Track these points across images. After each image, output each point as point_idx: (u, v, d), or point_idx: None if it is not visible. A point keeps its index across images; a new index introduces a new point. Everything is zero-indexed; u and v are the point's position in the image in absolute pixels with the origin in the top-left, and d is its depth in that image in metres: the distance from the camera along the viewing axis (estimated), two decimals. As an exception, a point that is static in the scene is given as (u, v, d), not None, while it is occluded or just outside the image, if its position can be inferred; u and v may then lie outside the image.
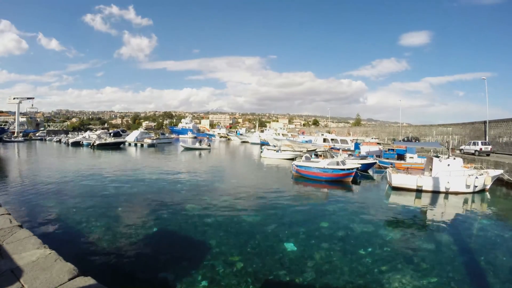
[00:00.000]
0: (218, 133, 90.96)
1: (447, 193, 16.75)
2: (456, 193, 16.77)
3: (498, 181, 19.18)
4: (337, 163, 20.52)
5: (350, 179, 20.15)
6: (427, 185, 17.06)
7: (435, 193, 16.87)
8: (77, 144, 51.50)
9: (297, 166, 21.74)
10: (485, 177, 17.38)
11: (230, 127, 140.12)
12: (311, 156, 24.86)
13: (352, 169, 20.24)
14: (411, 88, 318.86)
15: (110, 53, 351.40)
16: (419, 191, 17.04)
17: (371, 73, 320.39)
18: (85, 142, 50.34)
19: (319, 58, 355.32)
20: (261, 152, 36.54)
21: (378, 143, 39.83)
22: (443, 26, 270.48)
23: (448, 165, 17.10)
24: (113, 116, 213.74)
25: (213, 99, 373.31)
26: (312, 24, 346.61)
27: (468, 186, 16.85)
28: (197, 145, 48.50)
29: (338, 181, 20.06)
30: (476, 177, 16.96)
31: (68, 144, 52.20)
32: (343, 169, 20.14)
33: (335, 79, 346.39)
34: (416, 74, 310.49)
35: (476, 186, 17.08)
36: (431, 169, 17.80)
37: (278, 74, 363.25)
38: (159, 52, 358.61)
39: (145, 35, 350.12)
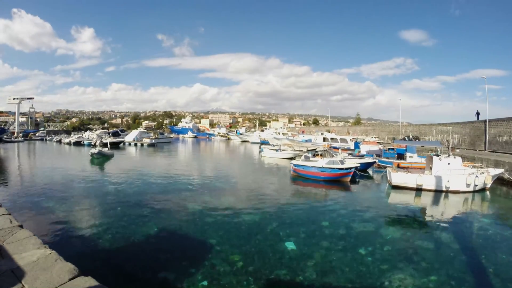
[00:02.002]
0: (218, 133, 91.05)
1: (447, 192, 16.74)
2: (456, 192, 16.77)
3: (498, 180, 19.15)
4: (335, 163, 20.43)
5: (348, 178, 20.07)
6: (427, 184, 17.06)
7: (435, 192, 16.87)
8: (78, 144, 51.57)
9: (294, 165, 21.71)
10: (486, 176, 17.37)
11: (230, 127, 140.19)
12: (310, 155, 24.84)
13: (350, 168, 20.13)
14: (422, 87, 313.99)
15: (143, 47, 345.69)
16: (419, 190, 17.05)
17: (381, 72, 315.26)
18: (86, 142, 50.38)
19: (330, 54, 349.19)
20: (261, 151, 36.56)
21: (378, 142, 39.83)
22: (457, 25, 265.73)
23: (448, 164, 17.10)
24: (113, 116, 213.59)
25: (225, 97, 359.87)
26: (322, 23, 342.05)
27: (468, 185, 16.84)
28: (104, 149, 32.21)
29: (336, 180, 20.01)
30: (476, 176, 16.95)
31: (70, 144, 52.25)
32: (341, 169, 20.04)
33: (360, 82, 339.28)
34: (428, 73, 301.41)
35: (476, 185, 17.07)
36: (431, 168, 17.80)
37: (310, 73, 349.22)
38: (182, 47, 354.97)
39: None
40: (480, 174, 17.37)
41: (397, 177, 17.76)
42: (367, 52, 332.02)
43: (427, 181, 17.08)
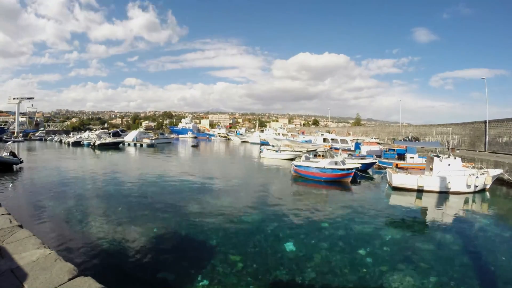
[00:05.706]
0: (218, 133, 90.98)
1: (447, 193, 16.72)
2: (457, 193, 16.75)
3: (498, 180, 19.16)
4: (336, 163, 20.38)
5: (349, 179, 20.03)
6: (428, 185, 17.02)
7: (436, 193, 16.84)
8: (77, 144, 51.57)
9: (296, 166, 21.70)
10: (486, 177, 17.37)
11: (230, 127, 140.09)
12: (311, 156, 24.81)
13: (351, 169, 20.08)
14: (427, 87, 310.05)
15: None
16: (419, 191, 17.01)
17: (387, 73, 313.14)
18: (85, 142, 50.40)
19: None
20: (261, 152, 36.51)
21: (378, 143, 39.82)
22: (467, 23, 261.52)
23: (449, 165, 17.08)
24: (113, 116, 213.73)
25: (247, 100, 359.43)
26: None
27: (468, 186, 16.83)
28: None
29: (337, 181, 19.97)
30: (477, 177, 16.94)
31: (68, 144, 52.23)
32: (342, 169, 20.00)
33: (385, 83, 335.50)
34: (436, 72, 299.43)
35: (477, 186, 17.06)
36: (431, 169, 17.78)
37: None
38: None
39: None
40: (480, 175, 17.36)
41: (398, 179, 17.71)
42: (371, 53, 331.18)
43: (428, 182, 17.05)
